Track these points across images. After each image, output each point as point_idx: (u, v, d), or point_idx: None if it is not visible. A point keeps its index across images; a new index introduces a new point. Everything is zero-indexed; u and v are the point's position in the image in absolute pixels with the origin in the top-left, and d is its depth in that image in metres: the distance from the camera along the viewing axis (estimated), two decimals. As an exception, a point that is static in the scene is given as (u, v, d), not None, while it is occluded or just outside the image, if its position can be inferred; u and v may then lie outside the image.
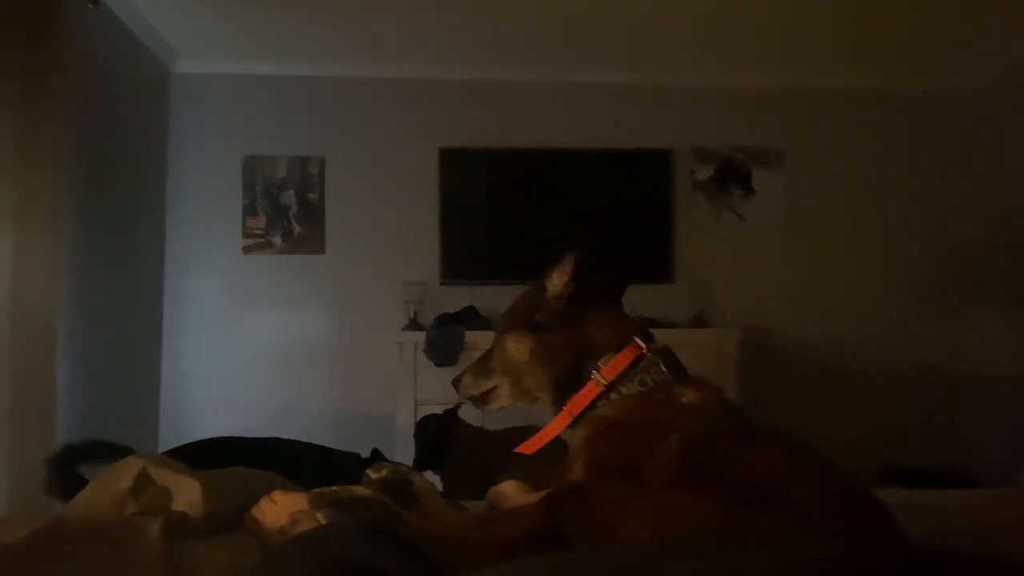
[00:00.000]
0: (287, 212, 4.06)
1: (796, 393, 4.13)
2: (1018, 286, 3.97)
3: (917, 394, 4.22)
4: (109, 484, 1.20)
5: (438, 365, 3.65)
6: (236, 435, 2.61)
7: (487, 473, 1.93)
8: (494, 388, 1.34)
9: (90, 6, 2.96)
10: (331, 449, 2.57)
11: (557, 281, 1.26)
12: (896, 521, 0.93)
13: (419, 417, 3.63)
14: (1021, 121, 3.97)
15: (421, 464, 2.37)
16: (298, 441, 2.61)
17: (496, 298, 3.97)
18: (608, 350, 1.20)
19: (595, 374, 1.19)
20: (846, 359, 4.21)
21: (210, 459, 2.36)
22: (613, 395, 1.18)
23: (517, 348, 1.29)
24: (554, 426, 1.23)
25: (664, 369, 1.18)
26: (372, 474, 0.98)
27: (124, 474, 1.22)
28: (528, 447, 1.24)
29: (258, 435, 2.63)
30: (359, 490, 0.91)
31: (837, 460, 1.07)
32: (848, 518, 0.90)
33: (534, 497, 1.18)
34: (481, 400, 1.36)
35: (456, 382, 1.39)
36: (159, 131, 3.98)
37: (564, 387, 1.23)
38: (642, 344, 1.21)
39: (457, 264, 4.04)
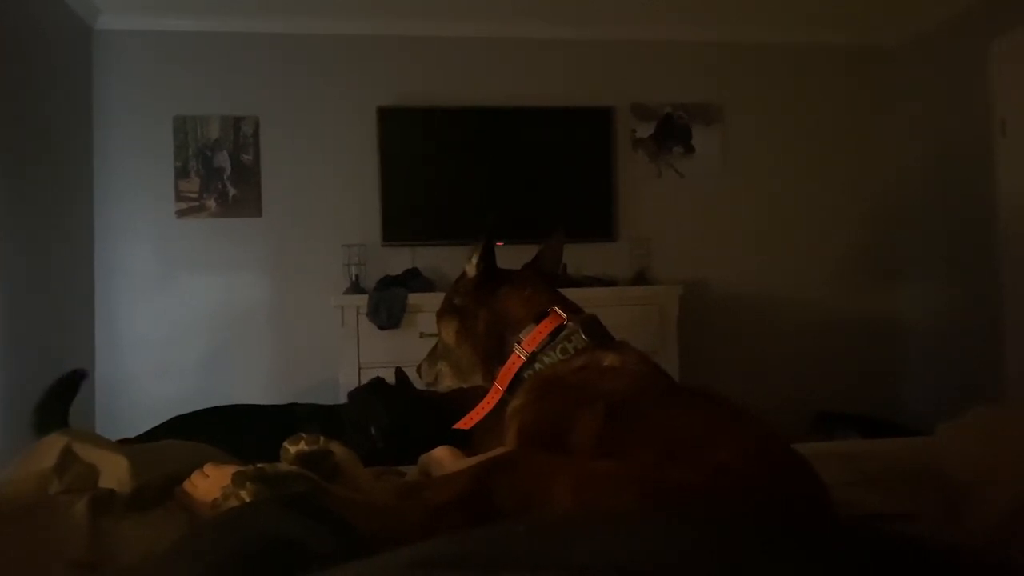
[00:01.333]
0: (221, 174, 3.95)
1: (735, 346, 4.23)
2: (946, 241, 4.11)
3: (851, 345, 4.36)
4: (31, 463, 1.16)
5: (381, 328, 3.63)
6: (246, 404, 2.62)
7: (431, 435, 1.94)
8: (439, 371, 1.45)
9: (-1, -42, 2.79)
10: (336, 407, 2.59)
11: (471, 265, 1.35)
12: (814, 472, 0.97)
13: (363, 381, 3.64)
14: (944, 73, 4.07)
15: (354, 433, 2.38)
16: (308, 404, 2.63)
17: (439, 259, 3.95)
18: (527, 323, 1.26)
19: (517, 347, 1.24)
20: (783, 312, 4.32)
21: (219, 427, 2.37)
22: (537, 365, 1.24)
23: (447, 332, 1.40)
24: (488, 400, 1.29)
25: (584, 336, 1.22)
26: (289, 446, 0.97)
27: (47, 452, 1.19)
28: (465, 423, 1.29)
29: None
30: (283, 466, 0.90)
31: (775, 409, 1.12)
32: (767, 471, 0.93)
33: (468, 463, 1.20)
34: (433, 384, 1.48)
35: (418, 370, 1.51)
36: (83, 92, 3.81)
37: (493, 362, 1.29)
38: (562, 314, 1.25)
39: (399, 225, 3.99)
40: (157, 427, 2.38)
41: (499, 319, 1.30)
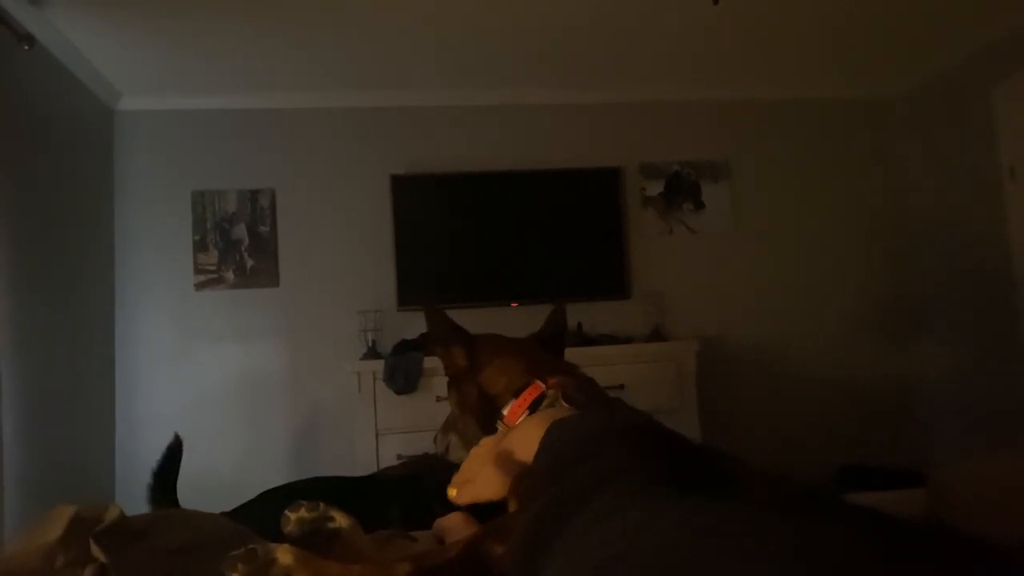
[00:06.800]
0: (239, 246, 4.03)
1: (756, 401, 4.18)
2: (962, 290, 4.07)
3: (873, 397, 4.28)
4: (36, 536, 1.16)
5: (398, 393, 3.63)
6: (337, 476, 2.55)
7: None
8: (449, 441, 1.43)
9: (24, 47, 2.92)
10: (418, 477, 2.48)
11: (458, 355, 1.34)
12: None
13: (380, 447, 3.62)
14: (950, 121, 4.10)
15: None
16: (384, 477, 2.55)
17: (454, 322, 3.96)
18: (507, 397, 1.24)
19: (500, 423, 1.22)
20: (803, 365, 4.27)
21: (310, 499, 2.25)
22: None
23: (452, 402, 1.38)
24: None
25: (565, 403, 1.20)
26: (290, 514, 0.97)
27: (53, 524, 1.19)
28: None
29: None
30: (275, 546, 0.89)
31: (800, 464, 1.09)
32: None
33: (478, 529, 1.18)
34: (445, 453, 1.46)
35: (435, 439, 1.49)
36: (104, 170, 3.93)
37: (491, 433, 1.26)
38: (541, 384, 1.24)
39: (414, 290, 4.02)
40: (251, 501, 2.30)
41: (485, 394, 1.29)
